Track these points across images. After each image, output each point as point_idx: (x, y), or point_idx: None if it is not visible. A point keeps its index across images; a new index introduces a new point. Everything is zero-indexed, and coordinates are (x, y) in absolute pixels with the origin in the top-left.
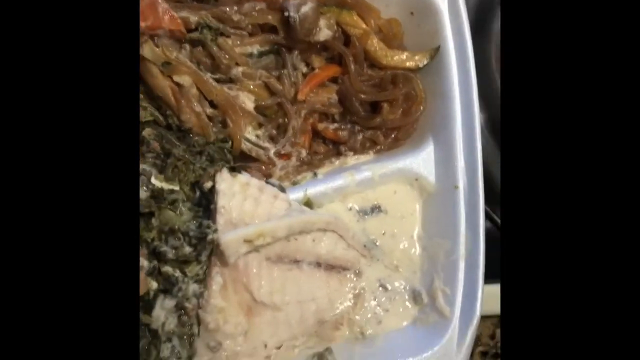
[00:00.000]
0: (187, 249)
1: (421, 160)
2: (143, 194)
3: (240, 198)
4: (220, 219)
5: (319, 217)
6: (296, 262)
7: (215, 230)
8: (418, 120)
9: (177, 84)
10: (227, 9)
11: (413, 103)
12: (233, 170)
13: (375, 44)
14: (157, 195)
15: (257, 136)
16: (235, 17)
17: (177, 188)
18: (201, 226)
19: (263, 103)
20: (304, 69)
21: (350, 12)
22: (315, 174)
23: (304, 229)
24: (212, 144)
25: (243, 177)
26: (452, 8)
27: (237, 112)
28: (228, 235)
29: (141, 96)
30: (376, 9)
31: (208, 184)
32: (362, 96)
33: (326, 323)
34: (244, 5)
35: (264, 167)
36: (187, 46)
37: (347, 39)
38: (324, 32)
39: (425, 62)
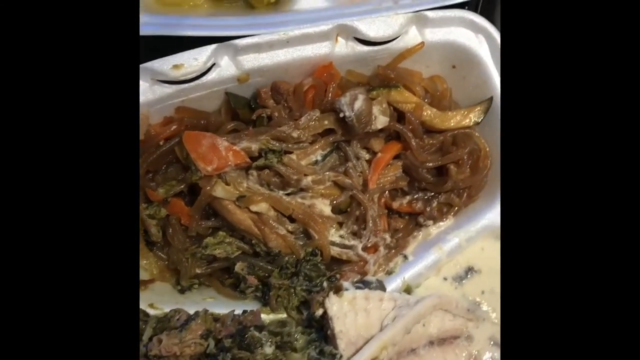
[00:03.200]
0: None
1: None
2: (268, 349)
3: (352, 315)
4: (341, 344)
5: (425, 304)
6: (412, 350)
7: (341, 357)
8: (488, 173)
9: (256, 213)
10: (285, 128)
11: (478, 158)
12: (331, 281)
13: (429, 113)
14: (280, 345)
15: (341, 236)
16: (295, 134)
17: (284, 315)
18: (323, 354)
19: (336, 202)
20: (367, 156)
21: (397, 89)
22: (405, 257)
23: (417, 321)
24: (304, 260)
25: (349, 293)
26: (495, 57)
27: (318, 222)
28: None
29: (224, 233)
30: (417, 71)
31: (319, 312)
32: (428, 164)
33: None
34: (301, 120)
35: (356, 268)
36: (254, 172)
37: (399, 114)
38: (381, 120)
39: (481, 117)
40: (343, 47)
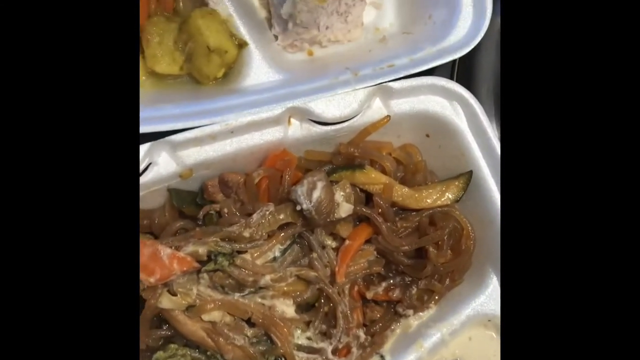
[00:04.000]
0: None
1: (487, 298)
2: None
3: None
4: None
5: None
6: None
7: None
8: (472, 255)
9: (210, 321)
10: (235, 227)
11: (460, 237)
12: None
13: (400, 193)
14: None
15: (309, 338)
16: (247, 233)
17: None
18: None
19: (300, 299)
20: (333, 243)
21: (362, 170)
22: (382, 357)
23: None
24: None
25: None
26: (473, 125)
27: (280, 327)
28: None
29: (176, 345)
30: (387, 142)
31: None
32: (404, 248)
33: None
34: (252, 218)
35: None
36: (205, 274)
37: (367, 194)
38: (344, 208)
39: (461, 194)
40: (298, 130)
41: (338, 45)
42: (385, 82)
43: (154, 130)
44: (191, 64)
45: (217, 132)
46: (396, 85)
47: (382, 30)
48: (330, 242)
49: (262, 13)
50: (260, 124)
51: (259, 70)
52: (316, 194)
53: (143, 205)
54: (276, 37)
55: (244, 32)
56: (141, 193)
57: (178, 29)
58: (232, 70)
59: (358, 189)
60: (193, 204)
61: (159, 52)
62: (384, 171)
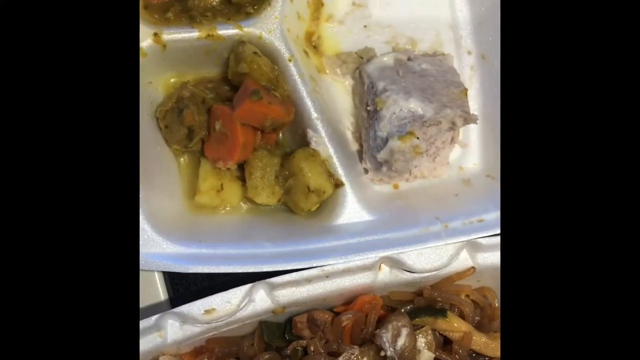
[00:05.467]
0: None
1: None
2: None
3: None
4: None
5: None
6: None
7: None
8: None
9: None
10: None
11: None
12: None
13: (478, 342)
14: None
15: None
16: None
17: None
18: None
19: None
20: None
21: (444, 318)
22: None
23: None
24: None
25: None
26: None
27: None
28: None
29: None
30: (467, 285)
31: None
32: None
33: None
34: None
35: None
36: None
37: (446, 338)
38: (425, 355)
39: None
40: (387, 275)
41: (423, 180)
42: (475, 238)
43: (253, 271)
44: (288, 197)
45: (313, 276)
46: (485, 241)
47: (465, 169)
48: None
49: (354, 146)
50: (354, 270)
51: (351, 209)
52: (401, 342)
53: (235, 333)
54: (366, 171)
55: (341, 172)
56: (235, 325)
57: (280, 165)
58: (325, 204)
59: (438, 333)
60: (281, 338)
61: (260, 185)
62: (462, 315)
